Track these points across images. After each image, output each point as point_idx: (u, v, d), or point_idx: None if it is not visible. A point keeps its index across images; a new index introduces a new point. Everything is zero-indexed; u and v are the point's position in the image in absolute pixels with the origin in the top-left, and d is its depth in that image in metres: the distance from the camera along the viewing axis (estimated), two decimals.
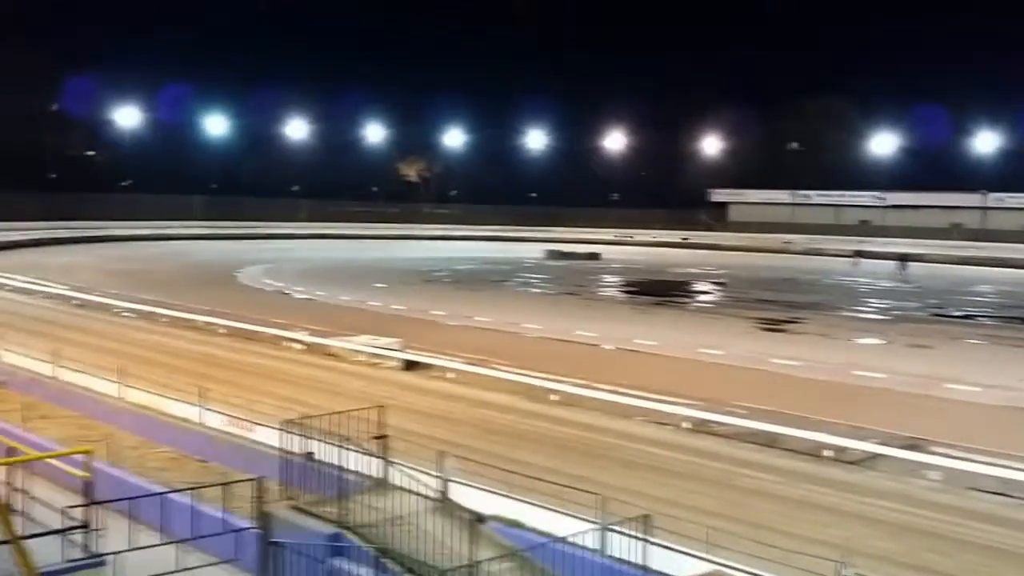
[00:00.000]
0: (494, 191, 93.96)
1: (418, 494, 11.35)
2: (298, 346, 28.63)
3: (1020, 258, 70.21)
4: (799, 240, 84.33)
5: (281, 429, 12.11)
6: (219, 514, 12.30)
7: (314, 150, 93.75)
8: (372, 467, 11.92)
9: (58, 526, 11.11)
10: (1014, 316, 42.06)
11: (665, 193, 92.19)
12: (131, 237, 75.50)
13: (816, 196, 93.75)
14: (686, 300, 47.62)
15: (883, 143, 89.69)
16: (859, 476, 16.63)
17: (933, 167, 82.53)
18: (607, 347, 29.86)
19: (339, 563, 10.64)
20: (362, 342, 27.37)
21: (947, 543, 13.67)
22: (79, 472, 11.92)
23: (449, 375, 24.55)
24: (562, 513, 12.70)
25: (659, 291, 49.03)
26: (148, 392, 20.89)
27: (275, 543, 10.89)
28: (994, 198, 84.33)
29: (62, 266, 53.08)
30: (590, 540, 11.05)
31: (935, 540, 13.77)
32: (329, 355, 27.40)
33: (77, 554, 10.88)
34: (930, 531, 14.15)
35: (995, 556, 13.28)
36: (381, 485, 11.88)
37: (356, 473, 11.64)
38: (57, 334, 29.11)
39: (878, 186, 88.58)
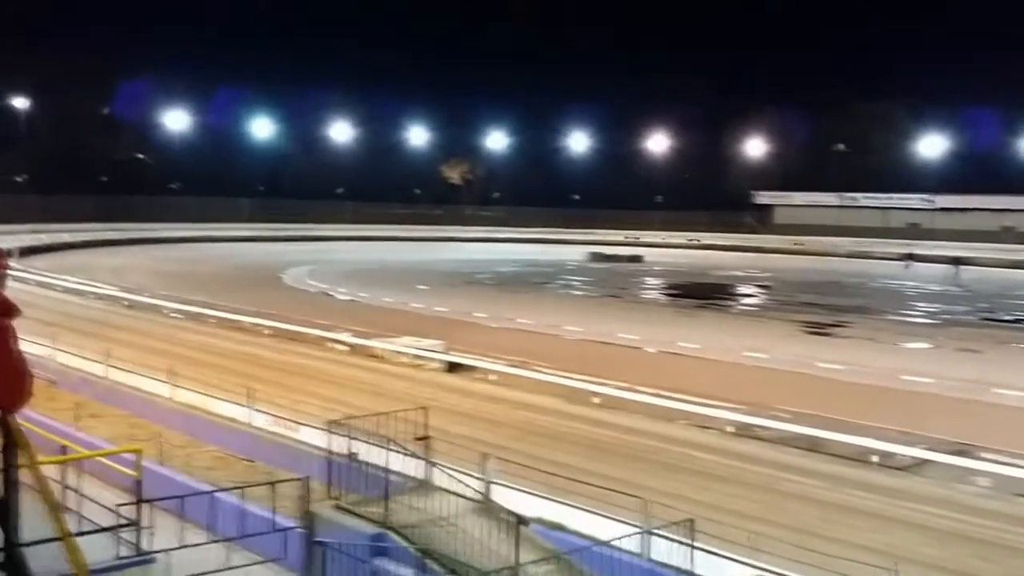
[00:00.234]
0: (537, 193, 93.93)
1: (460, 495, 11.40)
2: (342, 347, 28.84)
3: None
4: (845, 243, 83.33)
5: (326, 430, 12.23)
6: (265, 513, 12.43)
7: (358, 153, 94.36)
8: (415, 468, 12.00)
9: (109, 524, 11.29)
10: None
11: (709, 195, 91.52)
12: (179, 239, 76.48)
13: (863, 198, 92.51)
14: (730, 303, 47.30)
15: (932, 145, 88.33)
16: (906, 482, 16.41)
17: (982, 169, 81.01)
18: (649, 350, 29.76)
19: (382, 563, 10.72)
20: (405, 343, 27.51)
21: (994, 550, 13.47)
22: (129, 471, 12.12)
23: (491, 377, 24.60)
24: (604, 516, 12.67)
25: (702, 294, 48.73)
26: (196, 392, 21.19)
27: (319, 543, 11.01)
28: None
29: (112, 267, 53.93)
30: (633, 544, 11.04)
31: (982, 547, 13.58)
32: (372, 356, 27.57)
33: (127, 552, 11.06)
34: (977, 538, 13.95)
35: None
36: (424, 486, 11.97)
37: (399, 474, 11.73)
38: (107, 334, 29.57)
39: (926, 188, 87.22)
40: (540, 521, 12.49)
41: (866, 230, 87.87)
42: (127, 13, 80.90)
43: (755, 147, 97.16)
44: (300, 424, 18.13)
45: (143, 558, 11.02)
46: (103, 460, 13.55)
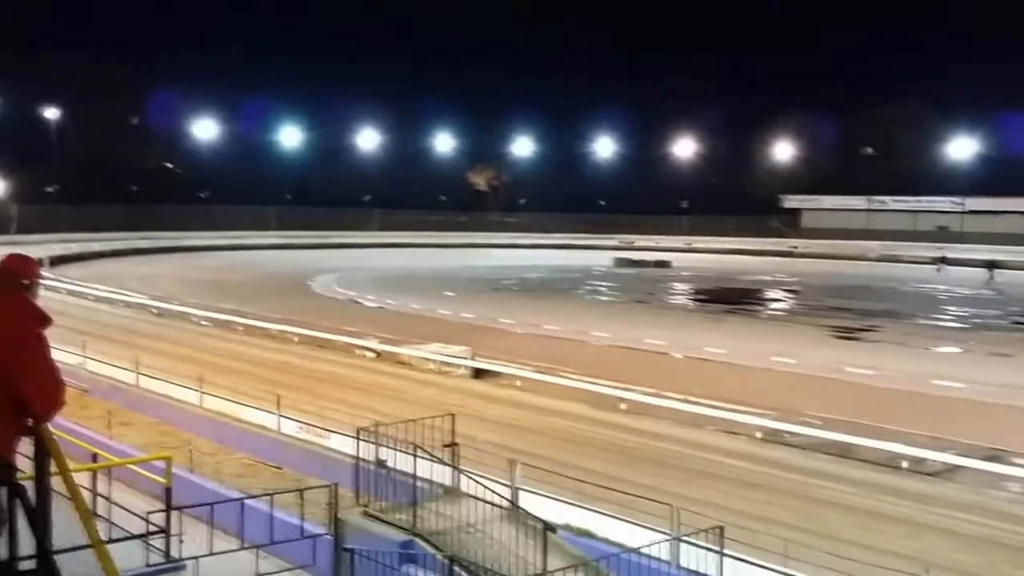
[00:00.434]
0: (563, 199, 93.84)
1: (488, 502, 11.40)
2: (369, 354, 28.94)
3: None
4: (874, 246, 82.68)
5: (355, 437, 12.27)
6: (294, 520, 12.48)
7: (385, 160, 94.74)
8: (443, 475, 12.02)
9: (139, 531, 11.37)
10: None
11: (736, 199, 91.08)
12: (208, 247, 77.00)
13: (892, 202, 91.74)
14: (758, 308, 47.05)
15: (961, 148, 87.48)
16: (938, 488, 16.25)
17: (1013, 172, 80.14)
18: (677, 355, 29.64)
19: (410, 570, 10.74)
20: (432, 350, 27.56)
21: None
22: (159, 478, 12.20)
23: (518, 383, 24.60)
24: (633, 523, 12.62)
25: (730, 299, 48.50)
26: (225, 399, 21.31)
27: (348, 549, 11.04)
28: None
29: (141, 275, 54.38)
30: (662, 551, 10.98)
31: (1015, 553, 13.41)
32: (400, 363, 27.64)
33: (157, 559, 11.13)
34: (1010, 544, 13.78)
35: None
36: (452, 493, 11.98)
37: (427, 480, 11.75)
38: (137, 342, 29.80)
39: (956, 191, 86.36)
40: (568, 528, 12.46)
41: (895, 233, 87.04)
42: (156, 23, 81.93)
43: (782, 151, 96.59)
44: (329, 431, 18.20)
45: (173, 565, 11.08)
46: (133, 468, 13.65)
